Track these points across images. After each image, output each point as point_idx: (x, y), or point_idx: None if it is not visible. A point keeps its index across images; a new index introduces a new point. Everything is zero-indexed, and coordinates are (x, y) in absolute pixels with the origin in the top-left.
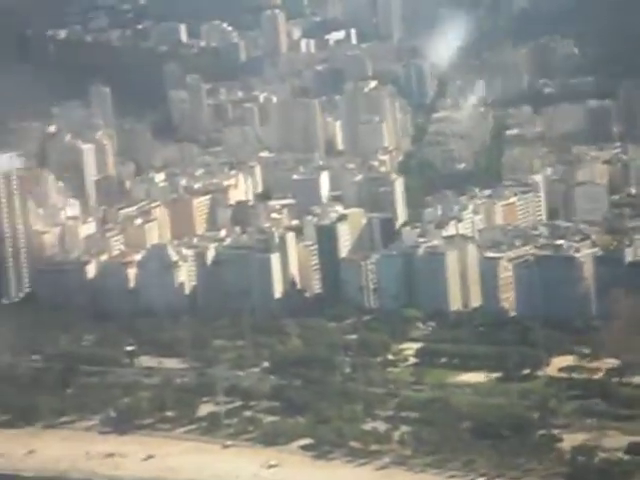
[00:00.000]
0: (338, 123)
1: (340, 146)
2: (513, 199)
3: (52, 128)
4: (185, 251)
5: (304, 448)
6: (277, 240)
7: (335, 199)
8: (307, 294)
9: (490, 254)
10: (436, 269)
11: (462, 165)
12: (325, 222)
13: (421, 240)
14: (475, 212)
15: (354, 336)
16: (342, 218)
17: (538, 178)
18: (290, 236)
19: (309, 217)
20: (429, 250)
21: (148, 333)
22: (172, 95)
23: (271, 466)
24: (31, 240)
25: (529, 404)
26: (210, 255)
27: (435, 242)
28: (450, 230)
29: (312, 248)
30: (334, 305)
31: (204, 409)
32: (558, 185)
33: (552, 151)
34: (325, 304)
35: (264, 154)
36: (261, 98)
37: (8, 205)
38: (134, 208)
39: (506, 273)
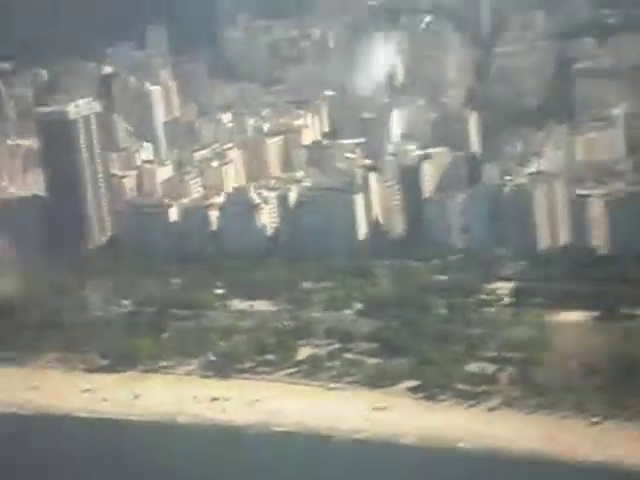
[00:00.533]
0: (398, 59)
1: (402, 82)
2: (593, 134)
3: (108, 69)
4: (266, 193)
5: (411, 390)
6: (359, 180)
7: (406, 137)
8: (391, 235)
9: (581, 191)
10: (524, 207)
11: (530, 100)
12: (408, 162)
13: (506, 178)
14: (556, 147)
15: (443, 277)
16: (426, 157)
17: (616, 112)
18: (372, 176)
19: (390, 157)
20: (515, 188)
21: (235, 276)
22: (226, 34)
23: (380, 409)
24: (110, 184)
25: (634, 343)
26: (292, 197)
27: (521, 179)
28: (532, 167)
29: (394, 188)
30: (420, 246)
31: (303, 352)
32: (636, 119)
33: (624, 84)
34: (410, 245)
35: (328, 92)
36: (317, 35)
37: (88, 150)
38: (208, 150)
39: (596, 210)
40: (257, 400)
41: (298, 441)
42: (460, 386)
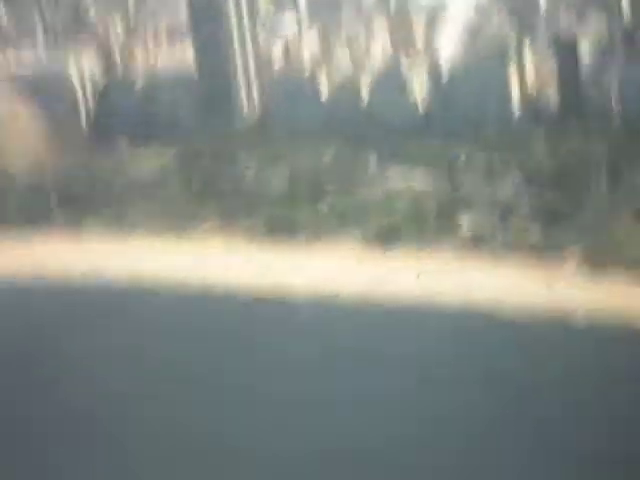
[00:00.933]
0: None
1: None
2: None
3: None
4: (415, 65)
5: (578, 261)
6: (512, 49)
7: (558, 3)
8: (546, 105)
9: None
10: None
11: None
12: (562, 29)
13: None
14: None
15: (603, 147)
16: (580, 23)
17: None
18: (526, 45)
19: (543, 24)
20: None
21: (388, 149)
22: None
23: (548, 282)
24: (258, 56)
25: None
26: (442, 68)
27: None
28: None
29: (548, 57)
30: (576, 116)
31: (466, 224)
32: None
33: None
34: (566, 115)
35: None
36: None
37: (235, 21)
38: (353, 20)
39: None
40: (420, 274)
41: (465, 316)
42: (632, 258)
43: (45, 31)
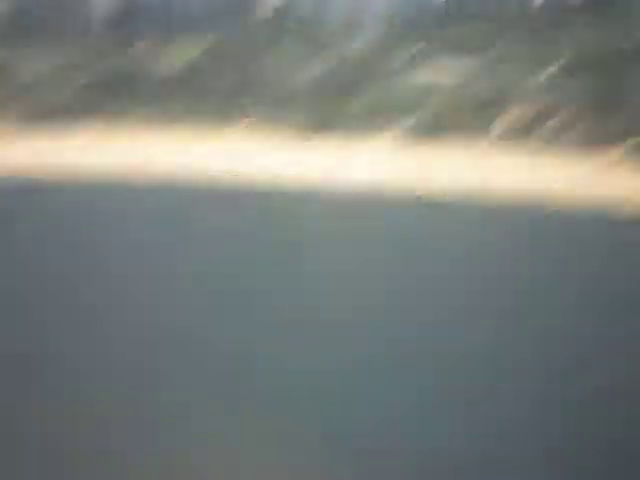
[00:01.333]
0: None
1: None
2: None
3: None
4: None
5: None
6: None
7: None
8: None
9: None
10: None
11: None
12: None
13: None
14: None
15: None
16: None
17: None
18: None
19: None
20: None
21: (416, 34)
22: None
23: (596, 176)
24: None
25: None
26: None
27: None
28: None
29: None
30: None
31: (509, 113)
32: None
33: None
34: None
35: None
36: None
37: None
38: None
39: None
40: (460, 169)
41: (512, 208)
42: None
43: None
